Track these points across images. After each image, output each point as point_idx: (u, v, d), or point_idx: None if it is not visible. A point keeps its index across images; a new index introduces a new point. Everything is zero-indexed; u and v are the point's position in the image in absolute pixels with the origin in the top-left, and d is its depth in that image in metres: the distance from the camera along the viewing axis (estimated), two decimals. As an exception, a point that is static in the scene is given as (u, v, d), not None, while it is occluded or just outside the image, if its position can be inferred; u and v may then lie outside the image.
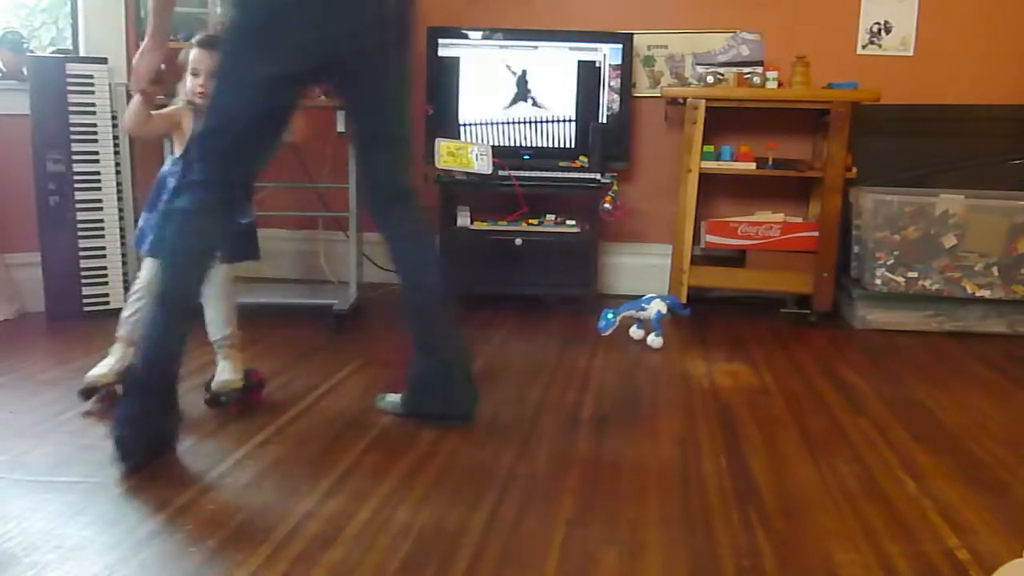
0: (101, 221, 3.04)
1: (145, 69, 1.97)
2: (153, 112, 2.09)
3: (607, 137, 3.30)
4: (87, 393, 2.10)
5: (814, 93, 3.17)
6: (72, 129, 2.96)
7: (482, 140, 3.32)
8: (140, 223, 2.16)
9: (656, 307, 2.81)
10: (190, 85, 2.09)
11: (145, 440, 1.77)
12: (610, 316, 2.79)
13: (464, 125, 3.37)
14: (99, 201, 3.03)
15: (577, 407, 2.21)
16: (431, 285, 2.03)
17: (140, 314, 2.05)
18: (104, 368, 2.12)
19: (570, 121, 3.36)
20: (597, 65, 3.34)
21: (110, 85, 3.01)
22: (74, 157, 2.97)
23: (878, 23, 3.41)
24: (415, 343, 2.05)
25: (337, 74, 1.95)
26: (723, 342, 2.86)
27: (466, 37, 3.34)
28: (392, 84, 1.95)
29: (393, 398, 2.10)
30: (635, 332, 2.88)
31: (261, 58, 1.79)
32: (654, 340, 2.78)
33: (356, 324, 3.04)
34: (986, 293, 3.04)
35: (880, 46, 3.42)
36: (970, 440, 2.05)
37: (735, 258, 3.27)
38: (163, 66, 2.00)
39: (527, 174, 3.23)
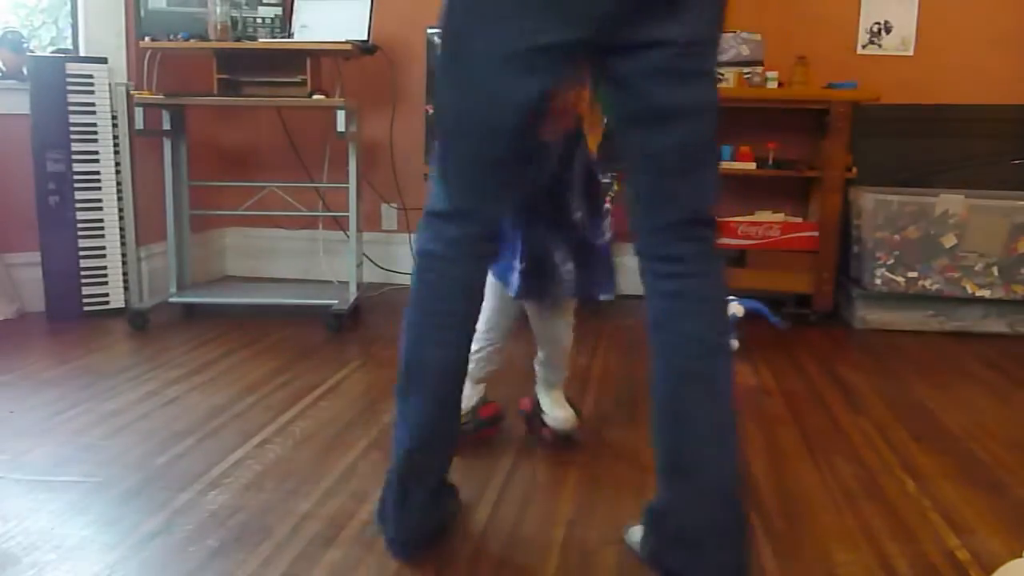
0: (101, 221, 3.04)
1: None
2: None
3: (607, 137, 3.29)
4: None
5: (814, 93, 3.17)
6: (72, 129, 2.96)
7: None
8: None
9: (732, 310, 2.78)
10: None
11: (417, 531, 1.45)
12: None
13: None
14: (99, 201, 3.03)
15: (577, 407, 2.21)
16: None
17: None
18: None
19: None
20: (597, 65, 3.34)
21: (110, 85, 3.01)
22: (74, 157, 2.97)
23: (878, 23, 3.41)
24: (662, 459, 1.33)
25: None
26: (723, 342, 2.85)
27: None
28: None
29: (636, 534, 1.44)
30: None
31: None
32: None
33: (356, 324, 3.04)
34: (986, 293, 3.04)
35: (880, 46, 3.42)
36: (970, 440, 2.05)
37: (735, 258, 3.26)
38: None
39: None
